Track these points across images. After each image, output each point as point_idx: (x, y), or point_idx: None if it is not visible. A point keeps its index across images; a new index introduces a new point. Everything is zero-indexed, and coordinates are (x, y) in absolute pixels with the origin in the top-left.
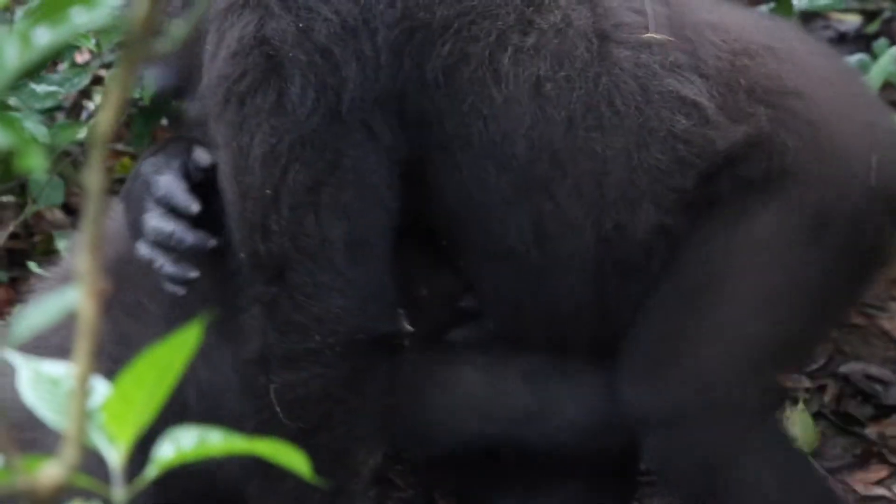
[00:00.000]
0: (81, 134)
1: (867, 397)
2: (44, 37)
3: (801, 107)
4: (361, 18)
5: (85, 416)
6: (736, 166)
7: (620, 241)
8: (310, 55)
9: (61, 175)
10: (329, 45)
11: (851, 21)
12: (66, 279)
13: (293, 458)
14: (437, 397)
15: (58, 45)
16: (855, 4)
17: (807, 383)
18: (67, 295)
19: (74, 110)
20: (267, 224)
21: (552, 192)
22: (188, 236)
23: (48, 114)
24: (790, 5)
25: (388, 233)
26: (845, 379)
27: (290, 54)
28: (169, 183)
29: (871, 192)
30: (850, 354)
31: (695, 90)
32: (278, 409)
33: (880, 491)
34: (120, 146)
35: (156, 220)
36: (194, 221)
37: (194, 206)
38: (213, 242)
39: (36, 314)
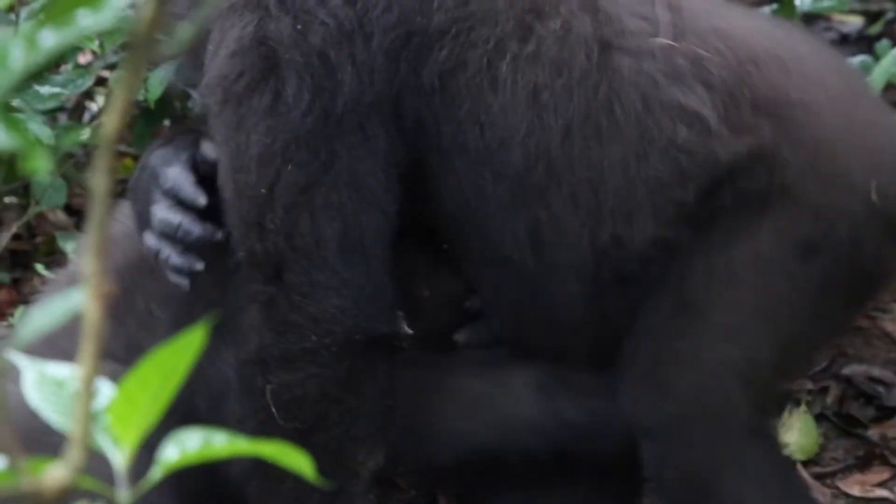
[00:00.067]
0: (85, 135)
1: (869, 399)
2: (49, 39)
3: (805, 122)
4: (357, 22)
5: (90, 417)
6: (737, 179)
7: (618, 252)
8: (306, 57)
9: (64, 176)
10: (325, 48)
11: (854, 22)
12: (73, 281)
13: (295, 459)
14: (439, 407)
15: (63, 48)
16: (857, 6)
17: (809, 385)
18: (73, 297)
19: (77, 111)
20: (263, 223)
21: (548, 201)
22: (195, 228)
23: (50, 115)
24: (793, 7)
25: (385, 235)
26: (847, 381)
27: (287, 56)
28: (177, 175)
29: (872, 213)
30: (853, 356)
31: (697, 100)
32: (274, 410)
33: (882, 493)
34: (122, 147)
35: (163, 212)
36: (201, 214)
37: (201, 199)
38: (219, 235)
39: (41, 316)
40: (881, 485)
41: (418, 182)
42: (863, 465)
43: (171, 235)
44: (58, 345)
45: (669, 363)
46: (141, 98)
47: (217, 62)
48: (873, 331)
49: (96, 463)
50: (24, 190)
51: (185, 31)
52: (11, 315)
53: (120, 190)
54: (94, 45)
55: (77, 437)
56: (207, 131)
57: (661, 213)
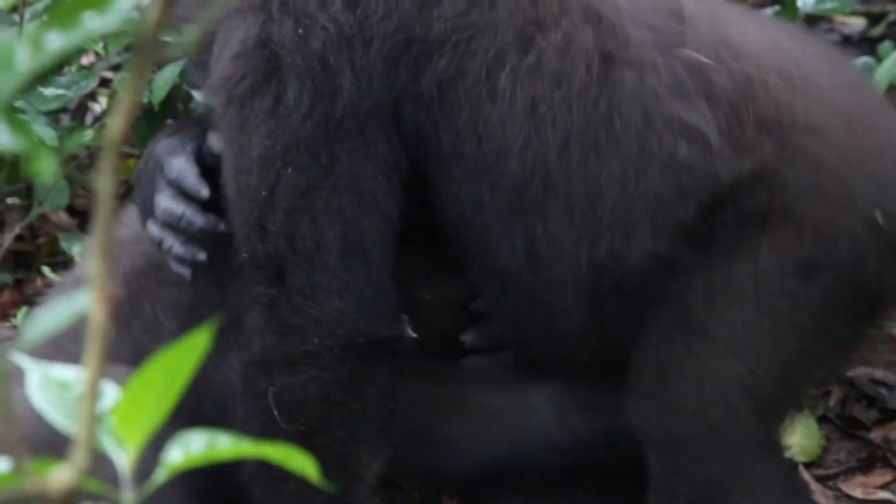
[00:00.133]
0: (88, 137)
1: (872, 401)
2: (55, 41)
3: (810, 143)
4: (357, 27)
5: (95, 419)
6: (738, 198)
7: (616, 266)
8: (307, 61)
9: (67, 178)
10: (325, 53)
11: (856, 24)
12: (79, 284)
13: (298, 461)
14: (455, 419)
15: (69, 50)
16: (859, 7)
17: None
18: (78, 299)
19: (79, 112)
20: (264, 224)
21: (545, 214)
22: (197, 219)
23: (53, 116)
24: (795, 9)
25: (387, 238)
26: (850, 383)
27: (289, 59)
28: (181, 165)
29: (876, 234)
30: (856, 359)
31: (700, 116)
32: (276, 413)
33: (885, 495)
34: (125, 148)
35: (166, 202)
36: (205, 205)
37: (204, 191)
38: (222, 226)
39: (46, 319)
40: (884, 487)
41: (419, 188)
42: (865, 467)
43: (174, 225)
44: (64, 348)
45: (674, 379)
46: (145, 100)
47: (221, 64)
48: (876, 333)
49: (102, 465)
50: (27, 191)
51: (190, 34)
52: (14, 316)
53: (124, 191)
54: (99, 47)
55: (82, 439)
56: (214, 123)
57: (659, 229)
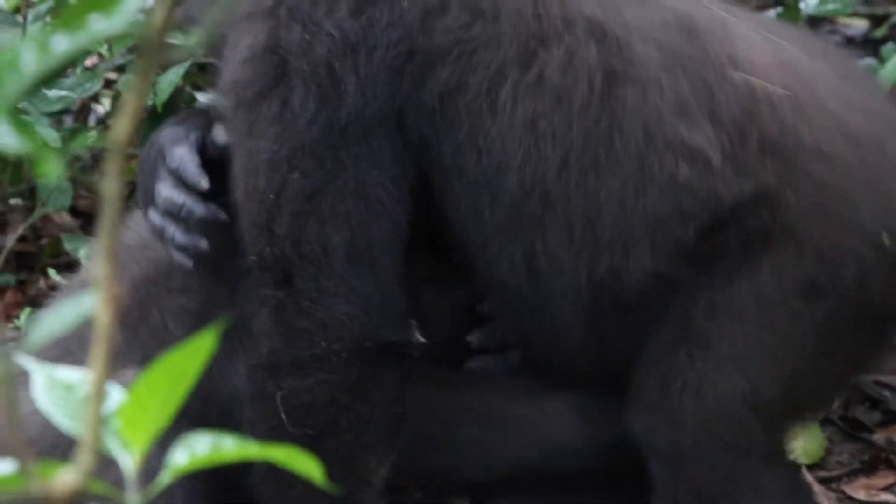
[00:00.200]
0: (91, 138)
1: (875, 403)
2: (62, 44)
3: (815, 166)
4: (362, 35)
5: (100, 421)
6: (740, 219)
7: (616, 284)
8: (312, 67)
9: (70, 179)
10: (330, 59)
11: (859, 26)
12: (85, 287)
13: (303, 464)
14: (476, 427)
15: (76, 52)
16: (862, 9)
17: None
18: (84, 301)
19: (82, 113)
20: (272, 227)
21: (544, 230)
22: (198, 208)
23: (56, 117)
24: (798, 10)
25: (395, 244)
26: (853, 385)
27: (295, 65)
28: (183, 155)
29: (882, 257)
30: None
31: (702, 137)
32: (284, 416)
33: (888, 497)
34: (129, 150)
35: (167, 190)
36: (209, 197)
37: (204, 182)
38: (223, 216)
39: (52, 321)
40: (886, 489)
41: (425, 195)
42: (868, 469)
43: (174, 214)
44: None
45: (678, 393)
46: (149, 102)
47: (231, 68)
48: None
49: (107, 467)
50: (30, 192)
51: (196, 37)
52: (17, 317)
53: (128, 192)
54: (103, 49)
55: (87, 441)
56: (221, 115)
57: (659, 248)
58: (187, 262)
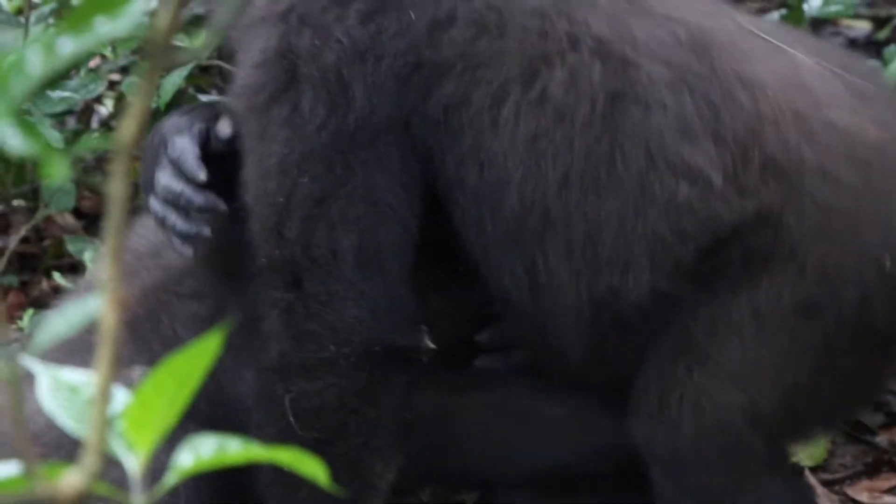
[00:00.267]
0: (95, 140)
1: (878, 405)
2: (67, 46)
3: (818, 187)
4: (371, 43)
5: (106, 423)
6: (741, 240)
7: (616, 302)
8: (322, 72)
9: (73, 180)
10: (339, 65)
11: (861, 27)
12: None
13: (309, 466)
14: (510, 428)
15: (81, 55)
16: (865, 11)
17: None
18: (89, 303)
19: (85, 115)
20: (282, 231)
21: (544, 247)
22: (197, 197)
23: (59, 118)
24: (801, 12)
25: (405, 249)
26: (870, 402)
27: (305, 70)
28: (183, 146)
29: (884, 279)
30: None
31: (704, 158)
32: (292, 419)
33: (891, 499)
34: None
35: (167, 179)
36: (212, 190)
37: (201, 175)
38: (222, 206)
39: (58, 323)
40: (889, 491)
41: (433, 202)
42: (871, 471)
43: (174, 203)
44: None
45: (676, 404)
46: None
47: (243, 72)
48: None
49: (112, 469)
50: (33, 193)
51: (201, 40)
52: (20, 318)
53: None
54: (107, 50)
55: (93, 443)
56: (227, 108)
57: (659, 268)
58: (188, 251)
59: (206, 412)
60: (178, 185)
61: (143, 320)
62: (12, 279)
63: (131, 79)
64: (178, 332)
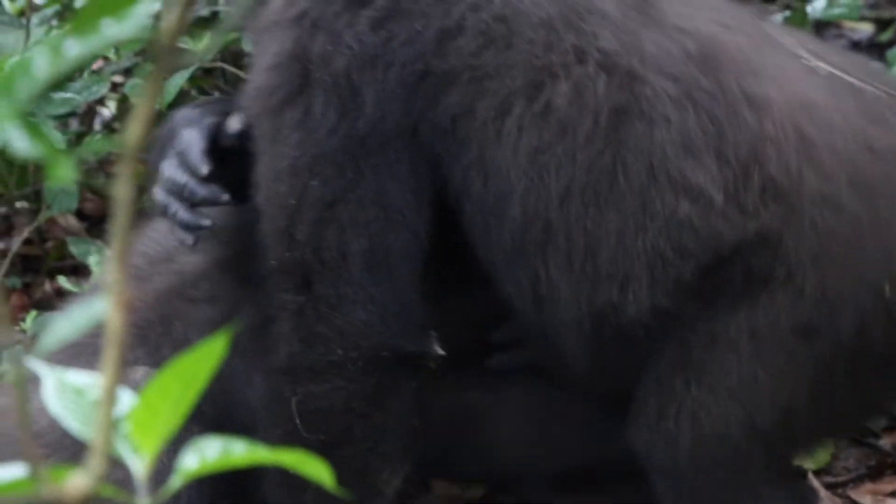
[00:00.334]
0: (98, 142)
1: None
2: (74, 48)
3: (818, 211)
4: (381, 50)
5: (111, 425)
6: (741, 259)
7: (615, 316)
8: (333, 77)
9: (76, 182)
10: (350, 71)
11: (864, 30)
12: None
13: (314, 468)
14: (546, 425)
15: (87, 57)
16: (868, 13)
17: None
18: (95, 305)
19: (88, 116)
20: (292, 233)
21: (546, 260)
22: (200, 190)
23: (61, 120)
24: (804, 14)
25: (415, 254)
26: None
27: (317, 74)
28: (191, 138)
29: (883, 305)
30: None
31: (706, 176)
32: (299, 422)
33: (894, 503)
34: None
35: (171, 170)
36: (220, 184)
37: (203, 169)
38: (226, 198)
39: (64, 325)
40: (893, 494)
41: (443, 208)
42: (874, 474)
43: (177, 193)
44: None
45: (674, 415)
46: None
47: (257, 75)
48: None
49: (117, 471)
50: (36, 195)
51: (205, 42)
52: (23, 320)
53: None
54: (111, 52)
55: (98, 445)
56: (239, 105)
57: (659, 284)
58: (190, 240)
59: (211, 415)
60: (181, 177)
61: (156, 325)
62: (15, 281)
63: (134, 81)
64: (190, 337)
